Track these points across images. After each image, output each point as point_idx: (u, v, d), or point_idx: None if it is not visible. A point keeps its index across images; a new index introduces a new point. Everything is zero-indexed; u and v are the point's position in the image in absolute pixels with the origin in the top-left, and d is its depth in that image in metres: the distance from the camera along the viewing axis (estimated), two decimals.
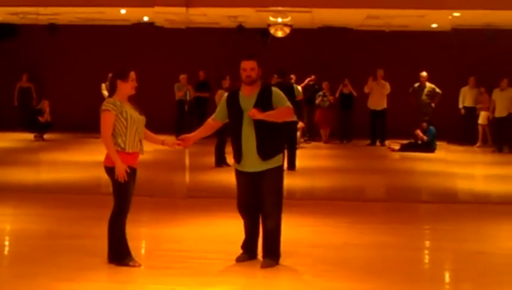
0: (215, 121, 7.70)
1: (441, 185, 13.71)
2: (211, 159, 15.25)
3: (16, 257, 7.98)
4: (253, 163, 7.32)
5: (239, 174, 7.48)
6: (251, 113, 7.14)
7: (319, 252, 7.99)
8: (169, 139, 7.76)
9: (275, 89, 7.50)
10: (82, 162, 16.21)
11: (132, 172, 7.16)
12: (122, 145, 7.13)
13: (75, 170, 14.82)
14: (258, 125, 7.25)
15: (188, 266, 7.32)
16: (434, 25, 22.28)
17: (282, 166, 7.48)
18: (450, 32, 22.65)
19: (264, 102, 7.31)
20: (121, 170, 7.04)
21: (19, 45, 24.51)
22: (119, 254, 7.21)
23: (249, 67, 7.36)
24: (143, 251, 8.33)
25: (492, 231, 9.51)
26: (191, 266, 7.35)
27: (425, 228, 10.16)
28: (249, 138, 7.30)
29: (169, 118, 21.90)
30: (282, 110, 7.34)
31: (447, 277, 7.59)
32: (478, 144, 20.96)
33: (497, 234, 9.37)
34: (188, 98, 22.70)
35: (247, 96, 7.37)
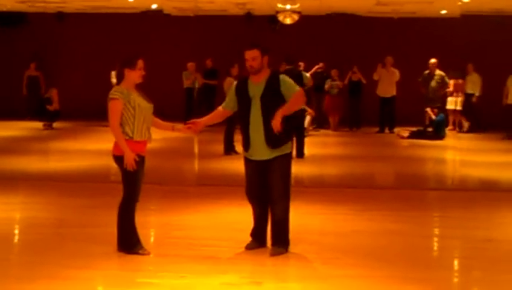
0: (225, 109, 7.68)
1: (450, 173, 13.69)
2: (220, 147, 15.24)
3: (26, 244, 8.00)
4: (262, 151, 7.30)
5: (248, 162, 7.47)
6: (276, 129, 7.12)
7: (328, 240, 7.98)
8: (180, 125, 7.75)
9: (282, 76, 7.45)
10: (91, 150, 16.23)
11: (141, 160, 7.16)
12: (130, 134, 7.12)
13: (84, 158, 14.84)
14: (266, 113, 7.22)
15: (197, 254, 7.32)
16: (443, 11, 22.17)
17: (290, 153, 7.47)
18: (459, 18, 22.55)
19: (272, 89, 7.28)
20: (129, 158, 7.03)
21: (28, 33, 24.54)
22: (129, 242, 7.22)
23: (250, 57, 7.32)
24: (152, 239, 8.33)
25: (502, 219, 9.48)
26: (200, 253, 7.35)
27: (434, 215, 10.14)
28: (257, 126, 7.28)
29: (178, 106, 21.89)
30: (294, 98, 7.27)
31: (456, 264, 7.57)
32: (450, 127, 21.25)
33: (507, 221, 9.34)
34: (196, 85, 22.69)
35: (256, 84, 7.35)
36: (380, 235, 8.36)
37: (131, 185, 7.15)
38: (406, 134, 19.73)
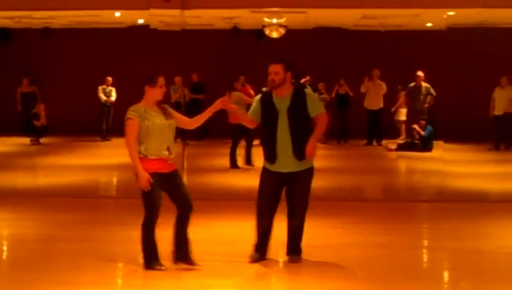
0: (253, 118, 7.60)
1: (439, 184, 13.72)
2: (208, 161, 15.24)
3: (14, 261, 7.96)
4: (289, 164, 7.35)
5: (268, 174, 7.45)
6: (311, 156, 7.34)
7: (316, 252, 7.98)
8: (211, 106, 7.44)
9: (309, 93, 7.57)
10: (79, 165, 16.18)
11: (158, 178, 7.09)
12: (144, 152, 7.09)
13: (72, 173, 14.79)
14: (294, 126, 7.31)
15: (187, 269, 7.29)
16: (429, 24, 22.30)
17: (313, 167, 7.53)
18: (445, 31, 22.68)
19: (299, 103, 7.36)
20: (142, 178, 7.00)
21: (14, 49, 24.48)
22: (146, 259, 7.17)
23: (273, 71, 7.35)
24: (141, 254, 8.30)
25: (491, 230, 9.51)
26: (190, 268, 7.32)
27: (423, 227, 10.17)
28: (284, 138, 7.32)
29: None
30: (322, 123, 7.46)
31: (445, 276, 7.59)
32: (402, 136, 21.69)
33: (495, 232, 9.37)
34: (183, 100, 22.70)
35: (281, 98, 7.38)
36: (369, 248, 8.37)
37: (148, 204, 7.12)
38: (394, 146, 19.79)
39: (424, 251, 8.69)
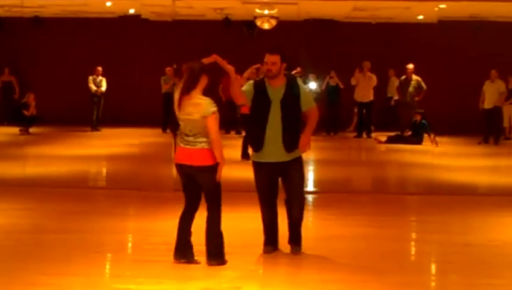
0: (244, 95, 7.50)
1: (428, 177, 13.75)
2: None
3: (5, 251, 7.92)
4: (276, 153, 7.36)
5: (260, 167, 7.45)
6: (305, 150, 7.37)
7: (306, 245, 7.97)
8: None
9: (302, 86, 7.57)
10: (68, 155, 16.14)
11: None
12: (209, 146, 6.99)
13: (62, 163, 14.75)
14: (286, 117, 7.32)
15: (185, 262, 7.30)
16: (420, 17, 22.31)
17: (301, 156, 7.55)
18: (437, 24, 22.69)
19: (293, 94, 7.38)
20: (221, 169, 6.95)
21: (4, 38, 24.37)
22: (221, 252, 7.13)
23: (270, 61, 7.35)
24: (130, 244, 8.31)
25: (480, 223, 9.54)
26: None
27: (412, 219, 10.20)
28: (274, 128, 7.32)
29: (156, 110, 21.84)
30: (314, 117, 7.48)
31: (434, 268, 7.62)
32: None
33: (484, 225, 9.40)
34: (174, 90, 22.67)
35: (274, 88, 7.39)
36: (358, 240, 8.39)
37: (220, 194, 7.09)
38: (384, 139, 19.82)
39: (413, 243, 8.73)
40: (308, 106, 7.49)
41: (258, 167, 7.49)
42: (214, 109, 6.94)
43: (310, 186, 12.82)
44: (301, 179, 7.58)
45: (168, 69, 22.30)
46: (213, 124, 6.91)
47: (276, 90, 7.37)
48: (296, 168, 7.47)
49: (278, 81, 7.39)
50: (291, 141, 7.35)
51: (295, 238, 7.62)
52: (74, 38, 24.68)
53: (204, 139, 6.95)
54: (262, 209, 7.61)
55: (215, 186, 7.04)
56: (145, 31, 24.14)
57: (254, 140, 7.48)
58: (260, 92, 7.40)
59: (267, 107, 7.34)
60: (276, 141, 7.33)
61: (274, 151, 7.35)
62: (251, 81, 7.63)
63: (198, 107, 6.94)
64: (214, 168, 6.95)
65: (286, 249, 7.71)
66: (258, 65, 7.77)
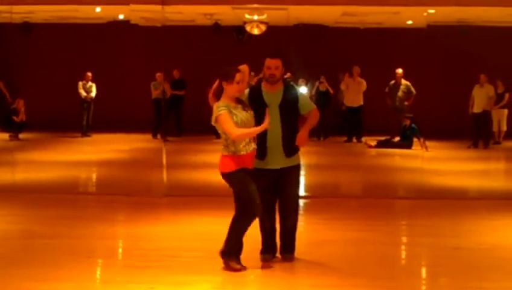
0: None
1: (418, 181, 13.77)
2: (188, 157, 15.22)
3: None
4: (278, 160, 7.32)
5: (259, 173, 7.25)
6: (302, 145, 7.34)
7: (297, 250, 7.97)
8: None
9: (299, 90, 7.62)
10: (58, 161, 16.10)
11: (248, 173, 7.07)
12: (233, 149, 7.02)
13: (51, 169, 14.71)
14: (285, 121, 7.29)
15: (166, 265, 7.30)
16: (409, 22, 22.38)
17: (300, 164, 7.53)
18: (425, 28, 22.76)
19: (291, 99, 7.37)
20: (263, 127, 7.02)
21: None
22: (228, 250, 7.15)
23: (273, 65, 7.31)
24: (120, 249, 8.29)
25: (469, 226, 9.56)
26: (169, 264, 7.33)
27: (402, 224, 10.21)
28: (274, 134, 7.27)
29: (146, 116, 21.81)
30: (314, 116, 7.49)
31: (424, 272, 7.62)
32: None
33: (474, 229, 9.42)
34: (164, 96, 22.64)
35: (271, 93, 7.35)
36: (349, 244, 8.40)
37: (244, 198, 7.07)
38: (374, 143, 19.85)
39: (404, 247, 8.73)
40: (309, 108, 7.48)
41: (259, 174, 7.26)
42: (219, 111, 7.00)
43: (300, 191, 12.81)
44: (298, 187, 7.57)
45: (158, 74, 22.28)
46: (221, 124, 7.00)
47: (273, 95, 7.34)
48: (294, 176, 7.44)
49: (276, 86, 7.38)
50: (290, 145, 7.33)
51: (288, 246, 7.55)
52: (63, 44, 24.62)
53: (222, 147, 7.09)
54: (260, 220, 7.42)
55: (234, 193, 7.13)
56: (134, 37, 24.08)
57: (257, 149, 7.43)
58: (257, 100, 7.33)
59: (265, 114, 7.27)
60: (277, 146, 7.30)
61: (276, 157, 7.31)
62: (246, 93, 7.58)
63: (213, 114, 7.12)
64: (226, 176, 7.06)
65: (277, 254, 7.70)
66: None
